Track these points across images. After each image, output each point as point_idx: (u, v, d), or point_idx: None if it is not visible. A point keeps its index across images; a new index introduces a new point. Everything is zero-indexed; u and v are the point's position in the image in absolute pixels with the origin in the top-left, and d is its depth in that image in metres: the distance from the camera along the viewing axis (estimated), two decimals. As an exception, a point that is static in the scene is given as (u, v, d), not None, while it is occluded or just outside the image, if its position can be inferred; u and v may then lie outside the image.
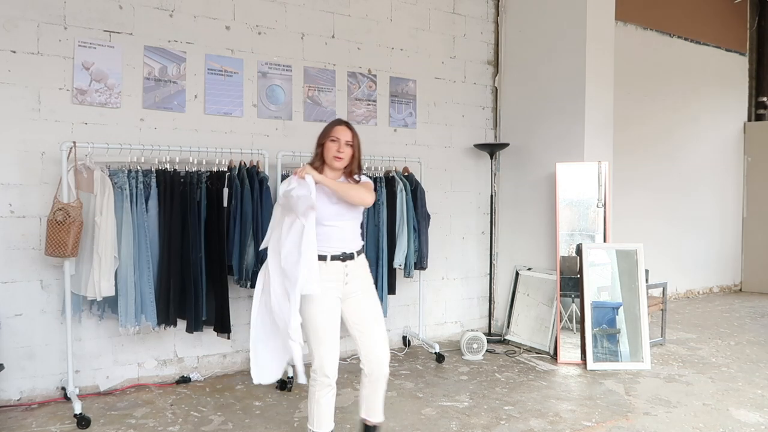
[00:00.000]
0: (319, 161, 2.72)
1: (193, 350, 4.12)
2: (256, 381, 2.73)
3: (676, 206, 7.15)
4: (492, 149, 5.24)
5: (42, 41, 3.63)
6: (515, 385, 4.00)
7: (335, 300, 2.66)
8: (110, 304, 3.60)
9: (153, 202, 3.62)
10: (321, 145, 2.72)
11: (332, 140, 2.68)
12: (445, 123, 5.27)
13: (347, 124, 2.75)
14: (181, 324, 3.78)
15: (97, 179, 3.45)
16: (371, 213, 4.36)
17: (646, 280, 4.61)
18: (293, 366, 2.63)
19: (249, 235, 3.80)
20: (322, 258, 2.60)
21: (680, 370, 4.34)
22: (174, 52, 4.04)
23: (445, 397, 3.76)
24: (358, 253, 2.73)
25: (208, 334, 3.94)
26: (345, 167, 2.72)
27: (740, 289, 7.96)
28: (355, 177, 2.77)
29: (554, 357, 4.62)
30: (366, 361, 2.70)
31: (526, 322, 5.05)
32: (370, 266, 2.90)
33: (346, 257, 2.67)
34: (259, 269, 3.81)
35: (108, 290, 3.43)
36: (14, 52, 3.56)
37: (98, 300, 3.47)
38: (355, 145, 2.71)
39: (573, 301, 4.57)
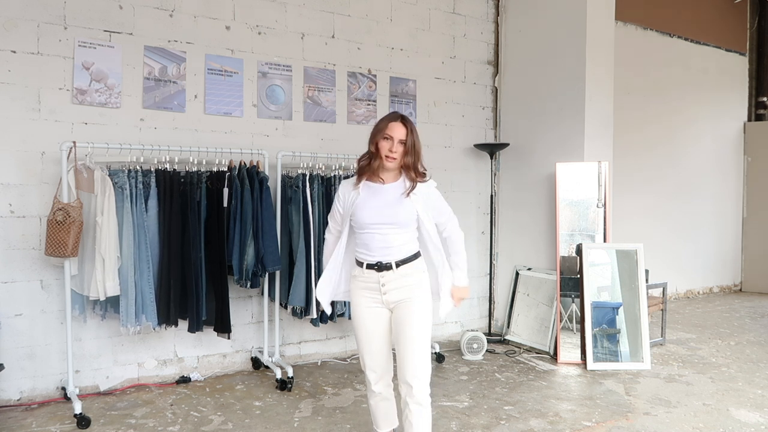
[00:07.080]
0: (365, 160, 2.50)
1: (193, 350, 4.13)
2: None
3: (676, 206, 7.15)
4: (492, 149, 5.24)
5: (42, 41, 3.63)
6: (515, 385, 4.00)
7: (374, 308, 2.53)
8: (112, 304, 3.60)
9: (153, 202, 3.62)
10: (374, 142, 2.48)
11: (385, 138, 2.43)
12: (445, 123, 5.27)
13: (403, 120, 2.46)
14: (182, 324, 3.78)
15: (98, 179, 3.45)
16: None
17: (646, 280, 4.60)
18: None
19: (249, 235, 3.80)
20: (359, 264, 2.53)
21: (680, 370, 4.34)
22: (174, 52, 4.04)
23: (445, 397, 3.76)
24: (400, 263, 2.47)
25: (208, 334, 3.94)
26: (400, 167, 2.48)
27: (740, 289, 7.96)
28: (417, 180, 2.49)
29: (554, 357, 4.62)
30: (398, 379, 2.51)
31: (526, 322, 5.05)
32: None
33: (382, 267, 2.47)
34: (259, 269, 3.86)
35: (113, 290, 3.44)
36: (14, 52, 3.56)
37: (101, 300, 3.47)
38: (409, 143, 2.42)
39: (573, 301, 4.57)
